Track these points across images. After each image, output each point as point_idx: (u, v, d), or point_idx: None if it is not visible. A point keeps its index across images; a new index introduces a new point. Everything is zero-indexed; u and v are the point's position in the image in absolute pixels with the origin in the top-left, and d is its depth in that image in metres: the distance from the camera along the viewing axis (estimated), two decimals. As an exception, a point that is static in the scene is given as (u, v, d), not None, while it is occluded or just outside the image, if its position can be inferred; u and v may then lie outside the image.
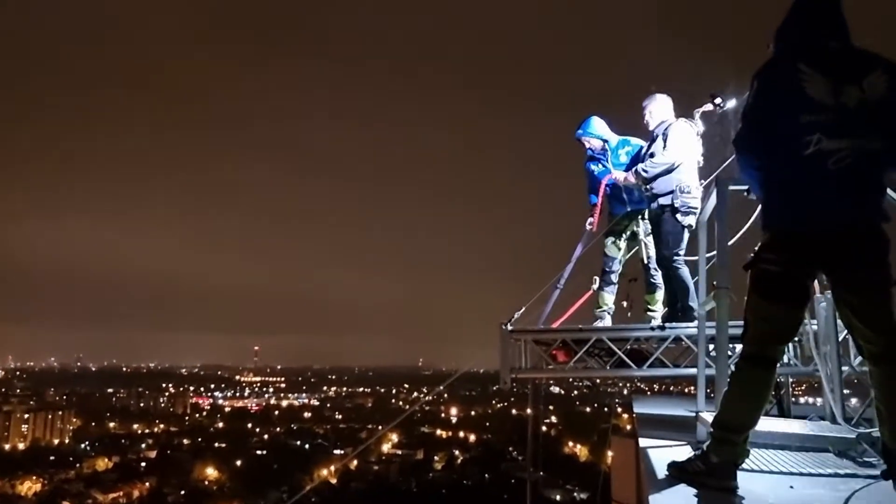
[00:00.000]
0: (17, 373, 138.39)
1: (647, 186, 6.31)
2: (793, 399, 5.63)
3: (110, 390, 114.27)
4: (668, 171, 6.17)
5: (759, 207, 3.18)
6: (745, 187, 3.65)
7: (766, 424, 3.98)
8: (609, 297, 6.78)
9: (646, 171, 6.23)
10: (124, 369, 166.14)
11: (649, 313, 6.52)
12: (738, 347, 4.21)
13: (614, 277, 6.81)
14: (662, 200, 6.19)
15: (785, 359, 5.51)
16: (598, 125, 6.99)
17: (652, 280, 6.56)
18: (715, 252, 3.89)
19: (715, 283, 3.84)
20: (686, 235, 6.18)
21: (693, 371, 4.87)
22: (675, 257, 6.13)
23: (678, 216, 6.10)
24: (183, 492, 60.73)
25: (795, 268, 2.95)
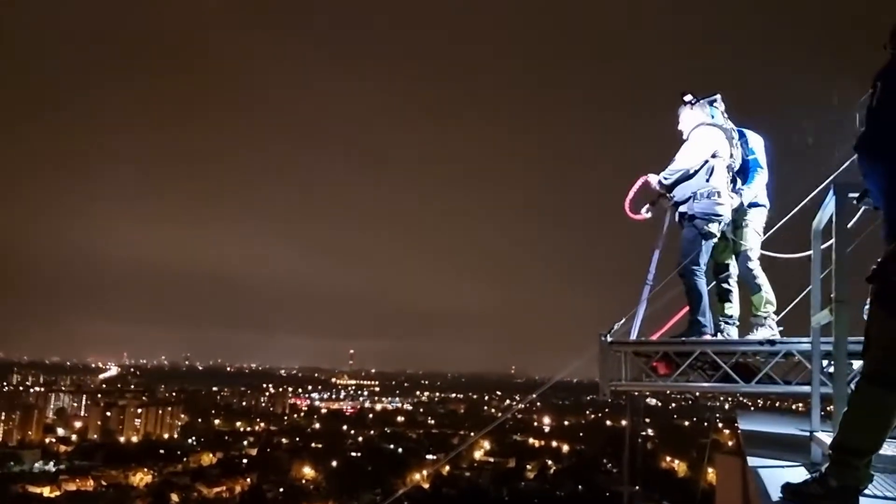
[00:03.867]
0: (132, 370, 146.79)
1: (669, 195, 6.21)
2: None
3: (215, 388, 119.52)
4: (686, 178, 6.05)
5: (883, 216, 2.96)
6: (858, 194, 3.42)
7: (890, 447, 3.74)
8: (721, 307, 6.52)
9: (665, 179, 6.17)
10: (228, 368, 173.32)
11: (753, 319, 6.21)
12: (857, 364, 3.99)
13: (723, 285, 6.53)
14: (682, 208, 6.08)
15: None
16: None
17: (755, 281, 6.24)
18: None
19: (832, 295, 3.64)
20: (706, 243, 5.98)
21: (806, 389, 4.63)
22: (693, 266, 5.94)
23: (696, 223, 5.95)
24: (281, 489, 62.75)
25: None
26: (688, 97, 6.37)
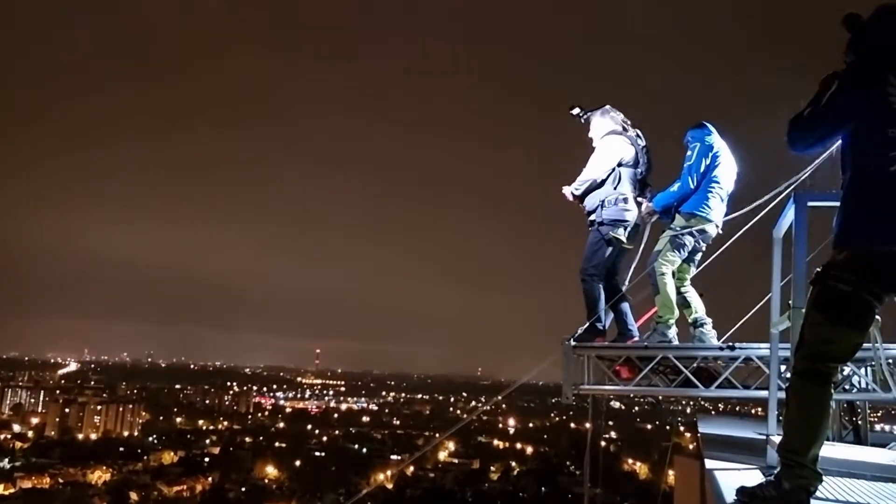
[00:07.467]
0: (92, 366, 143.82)
1: (581, 205, 6.28)
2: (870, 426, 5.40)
3: (178, 386, 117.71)
4: (595, 187, 6.13)
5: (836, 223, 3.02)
6: (828, 203, 3.46)
7: (842, 452, 3.82)
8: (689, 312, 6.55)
9: (576, 190, 6.23)
10: (192, 366, 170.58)
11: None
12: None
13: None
14: (592, 217, 6.15)
15: (863, 384, 5.29)
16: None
17: (654, 283, 6.11)
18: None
19: (790, 302, 3.71)
20: (610, 249, 6.06)
21: (763, 393, 4.71)
22: (592, 271, 6.05)
23: (602, 228, 6.04)
24: (244, 489, 62.07)
25: (867, 289, 2.82)
26: (575, 111, 6.42)
